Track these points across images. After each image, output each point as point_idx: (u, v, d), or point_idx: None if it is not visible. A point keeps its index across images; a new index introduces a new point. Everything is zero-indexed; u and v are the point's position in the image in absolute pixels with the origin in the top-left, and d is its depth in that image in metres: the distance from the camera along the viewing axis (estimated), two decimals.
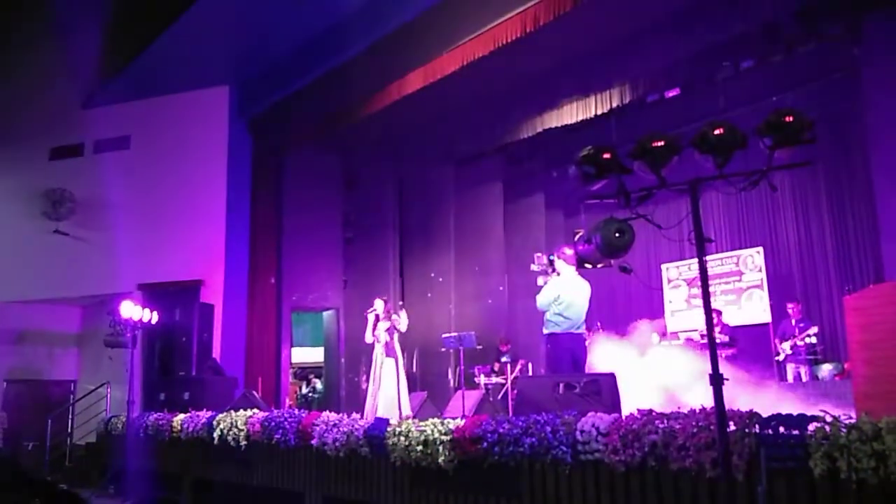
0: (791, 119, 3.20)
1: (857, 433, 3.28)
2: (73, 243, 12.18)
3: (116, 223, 11.84)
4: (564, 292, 6.21)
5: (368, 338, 8.07)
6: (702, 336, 9.21)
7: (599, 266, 5.82)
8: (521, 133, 10.53)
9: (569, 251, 6.36)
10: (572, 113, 9.69)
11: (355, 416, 6.24)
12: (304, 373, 16.79)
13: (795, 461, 3.45)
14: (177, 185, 12.04)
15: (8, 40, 10.49)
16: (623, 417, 4.35)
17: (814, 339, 8.76)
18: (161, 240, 11.75)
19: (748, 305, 10.38)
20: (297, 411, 6.92)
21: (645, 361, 7.37)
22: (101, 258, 11.93)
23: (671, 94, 9.96)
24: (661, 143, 3.40)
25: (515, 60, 8.81)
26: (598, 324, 9.48)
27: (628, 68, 9.04)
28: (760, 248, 10.38)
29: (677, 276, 11.25)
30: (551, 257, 6.51)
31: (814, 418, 3.52)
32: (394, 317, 8.13)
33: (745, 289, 10.46)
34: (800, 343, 8.81)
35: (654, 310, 10.77)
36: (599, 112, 9.39)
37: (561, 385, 5.25)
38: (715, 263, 10.62)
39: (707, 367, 3.31)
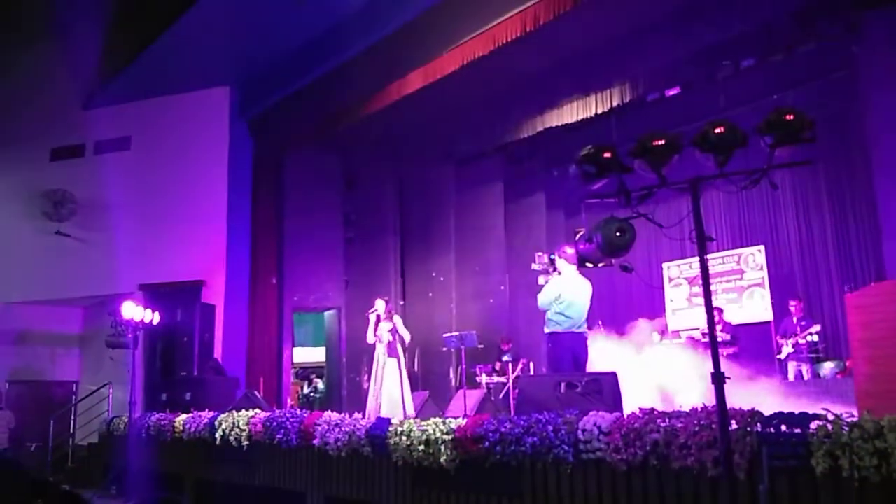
0: (792, 117, 3.20)
1: (859, 431, 3.28)
2: (74, 244, 12.19)
3: (117, 224, 11.86)
4: (565, 291, 6.21)
5: (370, 338, 8.07)
6: (703, 334, 9.21)
7: (600, 265, 5.82)
8: (521, 132, 10.53)
9: (570, 250, 6.35)
10: (572, 112, 9.68)
11: (357, 415, 6.23)
12: (305, 373, 16.79)
13: (797, 459, 3.44)
14: (178, 185, 12.05)
15: (8, 40, 10.52)
16: (625, 416, 4.34)
17: (815, 338, 8.76)
18: (162, 240, 11.76)
19: (749, 304, 10.39)
20: (298, 411, 6.92)
21: (646, 360, 7.38)
22: (102, 259, 11.93)
23: (671, 92, 9.95)
24: (662, 142, 3.40)
25: (515, 60, 8.79)
26: (600, 322, 9.46)
27: (628, 67, 9.04)
28: (762, 247, 10.39)
29: (678, 274, 11.26)
30: (552, 256, 6.49)
31: (816, 416, 3.52)
32: (395, 317, 8.13)
33: (746, 287, 10.46)
34: (801, 341, 8.81)
35: (655, 308, 10.79)
36: (600, 111, 9.38)
37: (562, 384, 5.25)
38: (716, 262, 10.62)
39: (708, 366, 3.31)
